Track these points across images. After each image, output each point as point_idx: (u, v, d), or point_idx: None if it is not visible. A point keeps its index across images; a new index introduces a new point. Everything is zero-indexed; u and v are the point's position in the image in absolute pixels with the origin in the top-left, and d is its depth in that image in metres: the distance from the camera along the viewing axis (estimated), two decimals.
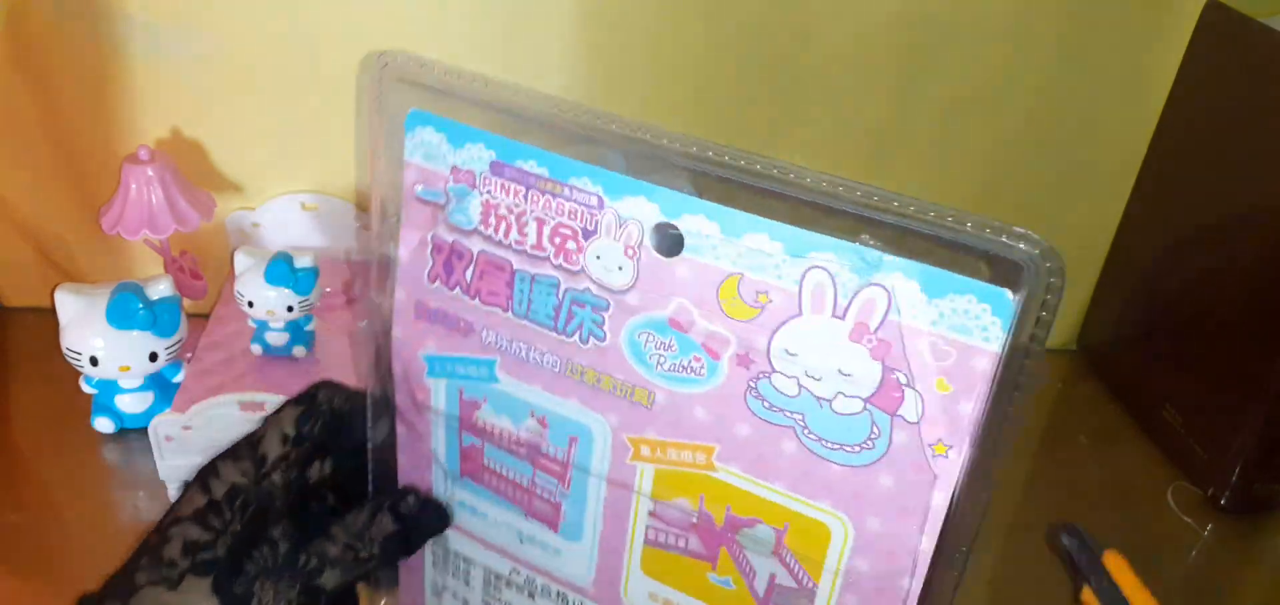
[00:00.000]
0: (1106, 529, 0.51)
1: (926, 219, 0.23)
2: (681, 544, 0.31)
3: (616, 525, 0.32)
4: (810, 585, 0.29)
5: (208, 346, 0.50)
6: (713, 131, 0.39)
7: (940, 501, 0.26)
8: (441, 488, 0.34)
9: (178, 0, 0.49)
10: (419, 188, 0.30)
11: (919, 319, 0.25)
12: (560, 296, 0.29)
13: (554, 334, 0.30)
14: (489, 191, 0.29)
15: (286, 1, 0.49)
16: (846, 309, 0.25)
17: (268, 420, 0.31)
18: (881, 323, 0.25)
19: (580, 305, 0.29)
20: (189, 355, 0.49)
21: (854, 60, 0.53)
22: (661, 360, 0.29)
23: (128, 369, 0.47)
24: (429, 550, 0.36)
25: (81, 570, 0.43)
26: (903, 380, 0.25)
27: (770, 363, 0.27)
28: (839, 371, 0.26)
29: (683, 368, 0.28)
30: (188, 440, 0.45)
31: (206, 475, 0.30)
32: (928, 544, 0.27)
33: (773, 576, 0.30)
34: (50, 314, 0.47)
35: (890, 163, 0.57)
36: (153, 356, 0.47)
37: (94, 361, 0.46)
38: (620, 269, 0.28)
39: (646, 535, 0.32)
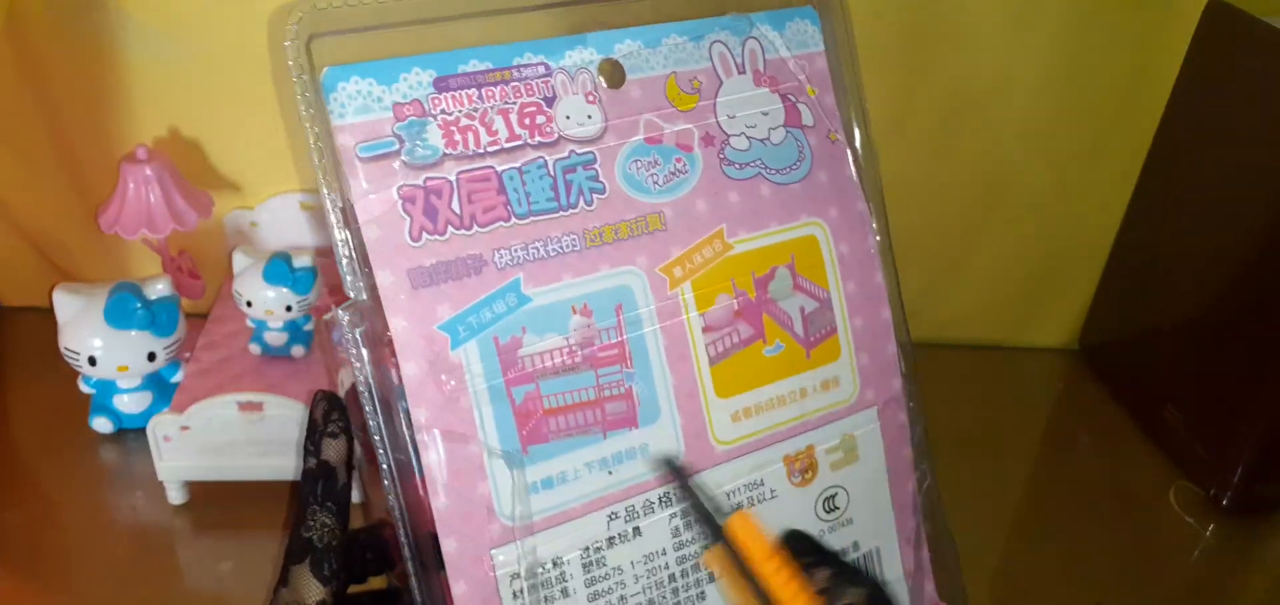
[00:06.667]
0: (1108, 529, 0.51)
1: None
2: (735, 338, 0.32)
3: (683, 368, 0.31)
4: (823, 294, 0.34)
5: (206, 346, 0.50)
6: None
7: (853, 171, 0.34)
8: (507, 501, 0.29)
9: (177, 0, 0.48)
10: (361, 146, 0.28)
11: (780, 49, 0.33)
12: (552, 172, 0.30)
13: (561, 214, 0.30)
14: (443, 109, 0.29)
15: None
16: (743, 63, 0.33)
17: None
18: (764, 62, 0.33)
19: (571, 170, 0.30)
20: (187, 355, 0.49)
21: None
22: (655, 179, 0.31)
23: (126, 369, 0.47)
24: (508, 586, 0.29)
25: (79, 570, 0.44)
26: (793, 98, 0.33)
27: (723, 130, 0.32)
28: (761, 112, 0.33)
29: (672, 175, 0.32)
30: (186, 440, 0.45)
31: None
32: (862, 205, 0.34)
33: (801, 309, 0.33)
34: (49, 314, 0.47)
35: (889, 161, 0.57)
36: (151, 356, 0.47)
37: (92, 361, 0.46)
38: (589, 118, 0.30)
39: (709, 356, 0.32)
